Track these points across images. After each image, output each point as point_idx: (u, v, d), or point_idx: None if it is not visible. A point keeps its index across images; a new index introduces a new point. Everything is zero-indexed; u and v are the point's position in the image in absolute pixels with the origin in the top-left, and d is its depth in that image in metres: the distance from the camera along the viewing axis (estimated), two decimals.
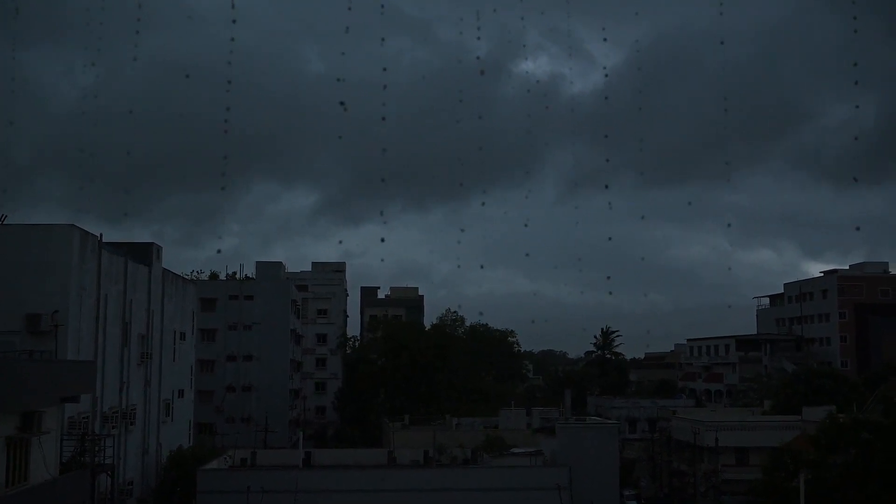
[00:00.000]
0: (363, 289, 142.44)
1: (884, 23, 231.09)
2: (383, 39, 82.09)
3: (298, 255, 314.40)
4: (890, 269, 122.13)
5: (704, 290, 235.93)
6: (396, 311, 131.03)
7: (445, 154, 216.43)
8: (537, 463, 53.86)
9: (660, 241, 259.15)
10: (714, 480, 69.55)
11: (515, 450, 58.40)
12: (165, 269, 56.10)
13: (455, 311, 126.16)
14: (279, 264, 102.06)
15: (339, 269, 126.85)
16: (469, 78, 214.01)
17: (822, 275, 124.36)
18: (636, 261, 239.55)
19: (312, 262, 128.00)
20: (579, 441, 52.30)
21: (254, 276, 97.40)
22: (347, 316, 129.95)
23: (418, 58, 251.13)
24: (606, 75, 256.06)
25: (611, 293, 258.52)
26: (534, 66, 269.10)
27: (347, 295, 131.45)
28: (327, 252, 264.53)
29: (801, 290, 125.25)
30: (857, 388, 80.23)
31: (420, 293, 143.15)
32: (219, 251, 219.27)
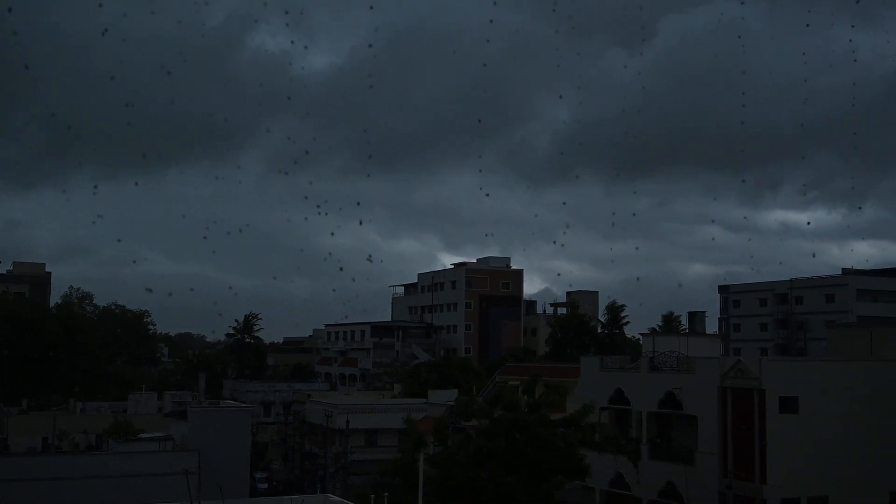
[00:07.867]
0: None
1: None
2: None
3: None
4: (511, 265, 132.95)
5: (361, 277, 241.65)
6: (19, 289, 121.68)
7: (153, 124, 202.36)
8: (167, 448, 52.50)
9: (332, 228, 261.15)
10: (343, 461, 71.71)
11: (144, 435, 56.60)
12: None
13: (80, 289, 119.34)
14: None
15: None
16: (195, 47, 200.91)
17: (452, 267, 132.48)
18: (296, 248, 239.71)
19: None
20: (211, 425, 51.62)
21: None
22: None
23: (139, 20, 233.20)
24: (340, 57, 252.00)
25: (275, 278, 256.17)
26: (268, 40, 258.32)
27: None
28: None
29: (433, 281, 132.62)
30: (479, 375, 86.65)
31: (48, 270, 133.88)
32: None
